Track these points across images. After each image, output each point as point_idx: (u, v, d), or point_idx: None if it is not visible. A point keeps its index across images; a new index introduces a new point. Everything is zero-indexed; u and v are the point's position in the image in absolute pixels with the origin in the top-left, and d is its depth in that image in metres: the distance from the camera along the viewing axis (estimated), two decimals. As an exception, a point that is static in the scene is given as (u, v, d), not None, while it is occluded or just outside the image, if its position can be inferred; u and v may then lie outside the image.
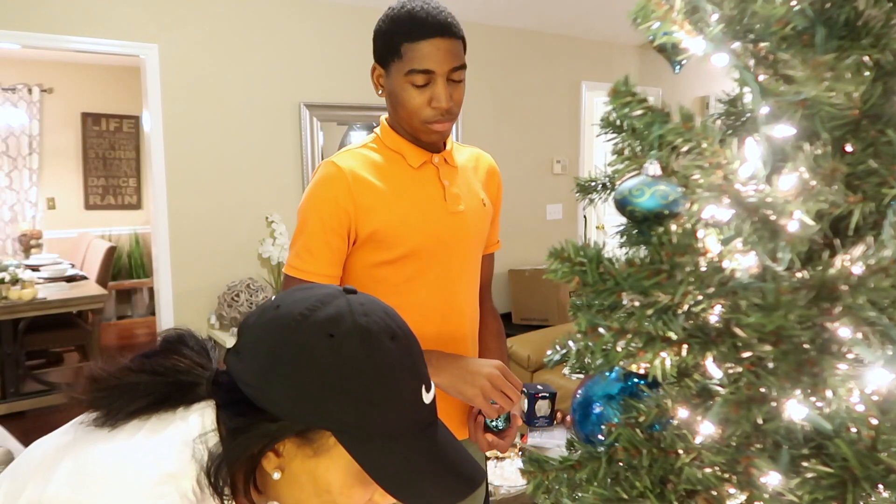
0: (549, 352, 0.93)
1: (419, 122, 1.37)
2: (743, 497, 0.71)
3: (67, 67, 6.66)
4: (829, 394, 0.61)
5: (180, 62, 3.78)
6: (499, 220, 1.67)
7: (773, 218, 0.62)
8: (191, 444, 0.77)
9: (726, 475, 0.72)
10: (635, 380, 0.93)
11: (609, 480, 0.83)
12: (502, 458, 3.06)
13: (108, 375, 0.81)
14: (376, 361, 0.76)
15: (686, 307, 0.71)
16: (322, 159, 4.20)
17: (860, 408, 0.64)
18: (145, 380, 0.81)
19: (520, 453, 3.07)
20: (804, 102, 0.63)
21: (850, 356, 0.63)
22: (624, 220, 0.85)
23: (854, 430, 0.65)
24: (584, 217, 5.69)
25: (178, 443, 0.77)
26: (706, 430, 0.75)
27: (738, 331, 0.65)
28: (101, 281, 5.38)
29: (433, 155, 1.46)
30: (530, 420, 3.31)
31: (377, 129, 1.49)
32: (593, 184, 0.96)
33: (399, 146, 1.44)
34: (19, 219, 6.59)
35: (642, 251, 0.84)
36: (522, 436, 3.16)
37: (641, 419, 0.82)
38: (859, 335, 0.62)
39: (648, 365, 0.70)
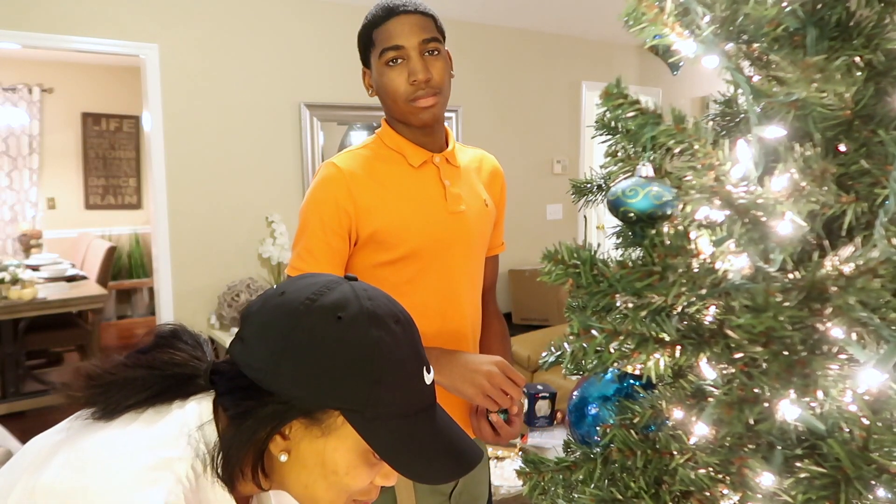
0: (544, 353, 0.93)
1: (404, 103, 1.37)
2: (736, 497, 0.71)
3: (68, 67, 6.67)
4: (820, 394, 0.61)
5: (180, 62, 3.78)
6: (503, 222, 1.66)
7: (764, 219, 0.62)
8: (187, 431, 0.78)
9: (720, 476, 0.73)
10: (631, 381, 0.93)
11: (605, 481, 0.83)
12: (502, 458, 3.06)
13: (103, 372, 0.82)
14: (384, 342, 0.78)
15: (679, 308, 0.72)
16: (322, 159, 4.20)
17: (852, 408, 0.64)
18: (142, 374, 0.81)
19: (520, 453, 3.07)
20: (796, 103, 0.63)
21: (841, 357, 0.63)
22: (619, 221, 0.85)
23: (846, 430, 0.65)
24: (584, 217, 5.69)
25: (174, 430, 0.78)
26: (700, 430, 0.75)
27: (730, 332, 0.65)
28: (101, 281, 5.38)
29: (434, 154, 1.46)
30: (530, 420, 3.32)
31: (378, 130, 1.50)
32: (589, 185, 0.96)
33: (399, 145, 1.44)
34: (19, 219, 6.59)
35: (637, 253, 0.84)
36: (522, 436, 3.16)
37: (636, 420, 0.83)
38: (852, 335, 0.63)
39: (643, 366, 0.71)
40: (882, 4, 0.66)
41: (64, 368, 0.83)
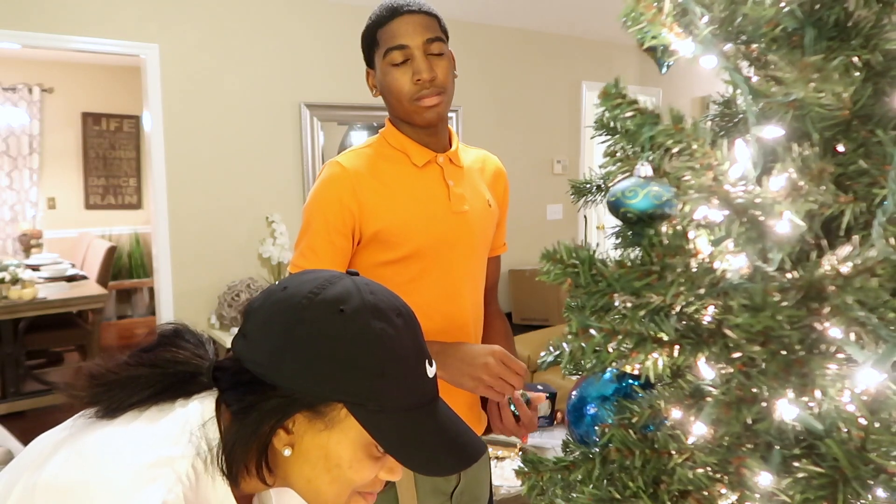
0: (542, 353, 0.93)
1: (409, 103, 1.38)
2: (734, 497, 0.71)
3: (68, 67, 6.67)
4: (818, 394, 0.61)
5: (180, 62, 3.78)
6: (505, 222, 1.67)
7: (762, 219, 0.62)
8: (189, 429, 0.78)
9: (718, 475, 0.73)
10: (629, 381, 0.93)
11: (603, 481, 0.84)
12: (502, 458, 3.06)
13: (106, 371, 0.82)
14: (387, 335, 0.79)
15: (678, 308, 0.72)
16: (322, 159, 4.21)
17: (850, 408, 0.64)
18: (144, 373, 0.82)
19: (520, 453, 3.07)
20: (794, 103, 0.63)
21: (839, 356, 0.64)
22: (618, 221, 0.85)
23: (844, 430, 0.65)
24: (584, 217, 5.69)
25: (176, 428, 0.78)
26: (698, 430, 0.75)
27: (728, 332, 0.65)
28: (102, 281, 5.38)
29: (438, 154, 1.46)
30: (530, 420, 3.30)
31: (382, 130, 1.50)
32: (588, 185, 0.96)
33: (403, 145, 1.45)
34: (19, 218, 6.59)
35: (636, 252, 0.84)
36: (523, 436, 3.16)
37: (635, 420, 0.83)
38: (850, 335, 0.63)
39: (641, 366, 0.71)
40: (880, 5, 0.66)
41: (66, 369, 0.83)
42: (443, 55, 1.39)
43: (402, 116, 1.43)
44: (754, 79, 0.71)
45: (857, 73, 0.65)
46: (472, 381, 1.32)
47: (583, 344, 0.72)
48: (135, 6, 3.65)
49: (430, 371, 0.84)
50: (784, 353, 0.61)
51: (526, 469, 0.90)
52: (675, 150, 0.68)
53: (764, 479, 0.68)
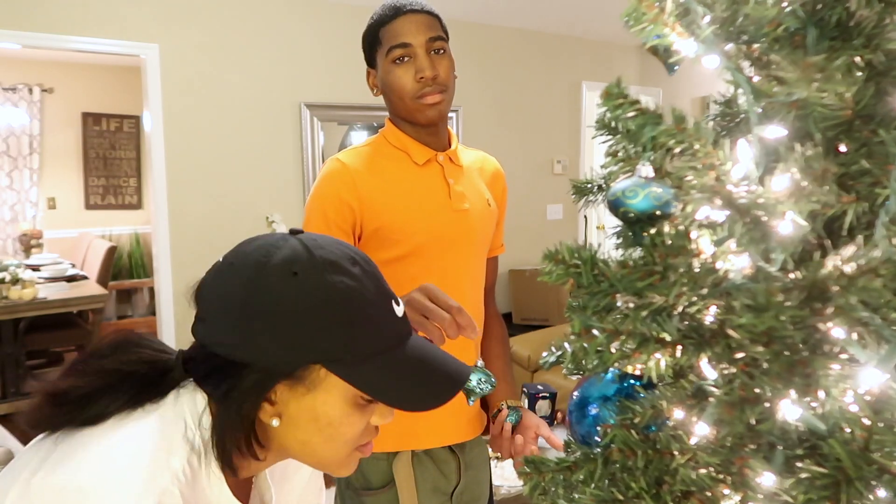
0: (544, 353, 0.93)
1: (411, 100, 1.38)
2: (737, 498, 0.71)
3: (68, 67, 6.67)
4: (821, 394, 0.61)
5: (180, 62, 3.78)
6: (503, 223, 1.67)
7: (764, 219, 0.62)
8: (182, 425, 0.77)
9: (721, 476, 0.72)
10: (631, 381, 0.93)
11: (605, 482, 0.83)
12: (503, 459, 3.06)
13: (69, 388, 0.80)
14: (346, 286, 0.77)
15: (680, 308, 0.71)
16: (323, 159, 4.21)
17: (853, 408, 0.64)
18: (113, 380, 0.80)
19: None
20: (796, 103, 0.63)
21: (842, 356, 0.63)
22: (619, 221, 0.85)
23: (847, 430, 0.65)
24: (585, 217, 5.69)
25: (168, 425, 0.77)
26: (701, 431, 0.75)
27: (731, 332, 0.65)
28: (102, 281, 5.38)
29: (438, 153, 1.47)
30: (530, 420, 3.30)
31: (382, 129, 1.51)
32: (589, 185, 0.96)
33: (404, 143, 1.45)
34: (20, 218, 6.59)
35: (637, 253, 0.84)
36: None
37: (637, 420, 0.83)
38: (853, 335, 0.63)
39: (643, 366, 0.71)
40: (882, 4, 0.66)
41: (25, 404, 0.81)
42: (445, 54, 1.40)
43: (403, 115, 1.43)
44: (756, 79, 0.71)
45: (860, 73, 0.65)
46: None
47: (585, 344, 0.72)
48: (135, 6, 3.65)
49: (399, 311, 0.83)
50: (787, 353, 0.61)
51: (528, 469, 0.89)
52: (677, 150, 0.68)
53: (767, 479, 0.68)
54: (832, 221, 0.70)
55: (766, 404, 0.65)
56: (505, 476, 2.94)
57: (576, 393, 0.99)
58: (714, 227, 0.68)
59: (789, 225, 0.63)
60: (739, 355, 0.65)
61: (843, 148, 0.69)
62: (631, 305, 0.73)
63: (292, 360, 0.76)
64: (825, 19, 0.67)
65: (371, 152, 1.46)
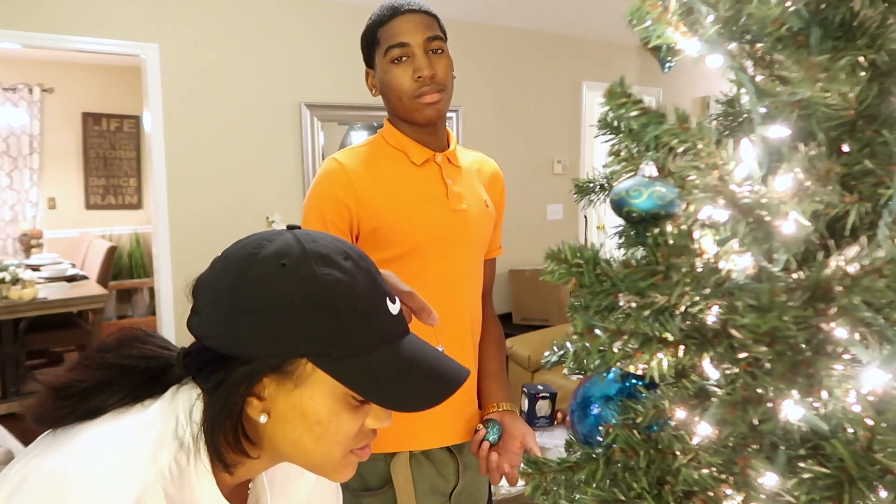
0: (546, 353, 0.93)
1: (409, 100, 1.38)
2: (740, 498, 0.71)
3: (68, 67, 6.67)
4: (824, 394, 0.61)
5: (181, 62, 3.78)
6: (501, 225, 1.67)
7: (768, 219, 0.62)
8: (172, 422, 0.77)
9: (723, 476, 0.72)
10: (633, 381, 0.93)
11: (607, 482, 0.83)
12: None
13: (70, 381, 0.80)
14: (335, 279, 0.76)
15: (683, 308, 0.71)
16: (323, 159, 4.20)
17: (856, 408, 0.64)
18: (114, 375, 0.80)
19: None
20: (799, 103, 0.63)
21: (845, 357, 0.63)
22: (622, 220, 0.85)
23: (850, 430, 0.65)
24: (585, 217, 5.69)
25: (159, 421, 0.77)
26: (703, 431, 0.75)
27: (733, 332, 0.65)
28: (102, 281, 5.38)
29: (436, 153, 1.46)
30: (531, 420, 3.31)
31: (381, 129, 1.50)
32: (591, 185, 0.96)
33: (402, 144, 1.45)
34: (20, 218, 6.59)
35: (640, 252, 0.84)
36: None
37: (639, 420, 0.82)
38: (856, 336, 0.62)
39: (645, 366, 0.70)
40: (886, 4, 0.66)
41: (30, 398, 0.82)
42: (443, 53, 1.40)
43: (401, 114, 1.43)
44: (759, 78, 0.71)
45: (863, 73, 0.65)
46: None
47: (587, 344, 0.71)
48: (135, 6, 3.64)
49: (394, 308, 0.81)
50: (790, 353, 0.61)
51: (530, 470, 0.89)
52: (680, 149, 0.67)
53: (769, 479, 0.68)
54: (835, 221, 0.70)
55: (769, 404, 0.65)
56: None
57: (578, 392, 0.99)
58: (717, 226, 0.68)
59: (792, 225, 0.63)
60: (742, 355, 0.65)
61: (846, 148, 0.69)
62: (633, 305, 0.73)
63: (278, 353, 0.75)
64: (829, 19, 0.66)
65: (369, 152, 1.45)
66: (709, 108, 6.13)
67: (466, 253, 1.48)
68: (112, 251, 5.68)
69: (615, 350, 0.71)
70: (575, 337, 0.73)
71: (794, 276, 0.63)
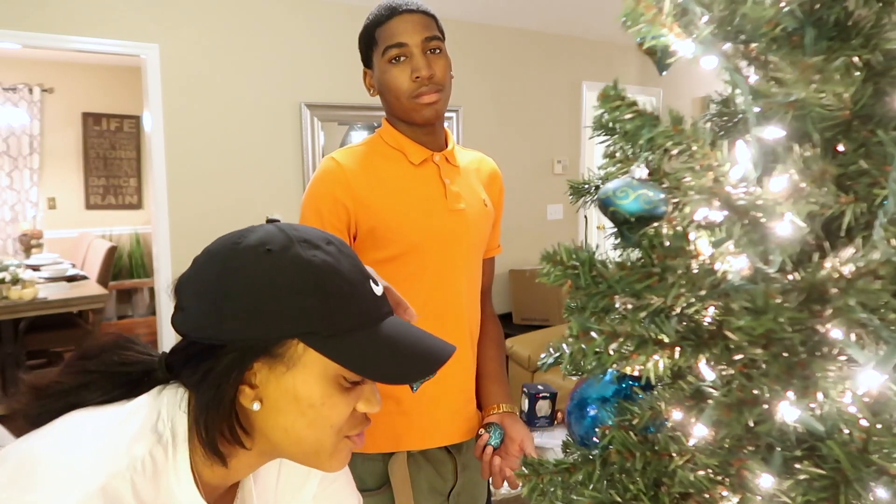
0: (543, 355, 0.93)
1: (407, 100, 1.38)
2: (736, 499, 0.70)
3: (68, 67, 6.67)
4: (820, 396, 0.61)
5: (181, 62, 3.78)
6: (500, 224, 1.67)
7: (763, 220, 0.62)
8: (153, 416, 0.77)
9: (719, 477, 0.72)
10: (629, 382, 0.93)
11: (604, 483, 0.83)
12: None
13: (50, 382, 0.81)
14: (321, 260, 0.77)
15: (678, 310, 0.71)
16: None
17: (852, 409, 0.64)
18: (94, 378, 0.81)
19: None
20: (794, 104, 0.63)
21: (841, 358, 0.63)
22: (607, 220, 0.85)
23: (846, 431, 0.65)
24: (585, 218, 5.69)
25: (140, 413, 0.77)
26: (699, 432, 0.75)
27: (729, 333, 0.65)
28: (102, 281, 5.38)
29: (434, 153, 1.46)
30: (531, 420, 3.31)
31: (378, 129, 1.50)
32: (586, 186, 0.95)
33: (400, 143, 1.45)
34: (20, 218, 6.60)
35: (635, 254, 0.84)
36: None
37: (635, 421, 0.82)
38: (851, 337, 0.62)
39: (642, 367, 0.70)
40: (880, 4, 0.66)
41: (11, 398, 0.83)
42: (441, 53, 1.39)
43: (399, 114, 1.43)
44: (754, 79, 0.71)
45: (858, 73, 0.65)
46: None
47: (583, 346, 0.71)
48: (135, 6, 3.65)
49: (377, 290, 0.82)
50: (786, 354, 0.61)
51: (526, 471, 0.89)
52: (674, 151, 0.67)
53: (765, 480, 0.68)
54: (830, 222, 0.70)
55: (765, 406, 0.65)
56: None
57: (575, 394, 0.99)
58: (712, 228, 0.68)
59: (788, 226, 0.63)
60: (738, 357, 0.65)
61: (841, 148, 0.69)
62: (629, 307, 0.73)
63: (268, 335, 0.75)
64: (823, 19, 0.66)
65: (367, 152, 1.45)
66: (709, 108, 6.12)
67: (465, 253, 1.48)
68: (112, 251, 5.68)
69: (611, 352, 0.71)
70: (571, 339, 0.73)
71: (790, 277, 0.63)
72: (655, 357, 0.69)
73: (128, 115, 7.05)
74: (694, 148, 0.65)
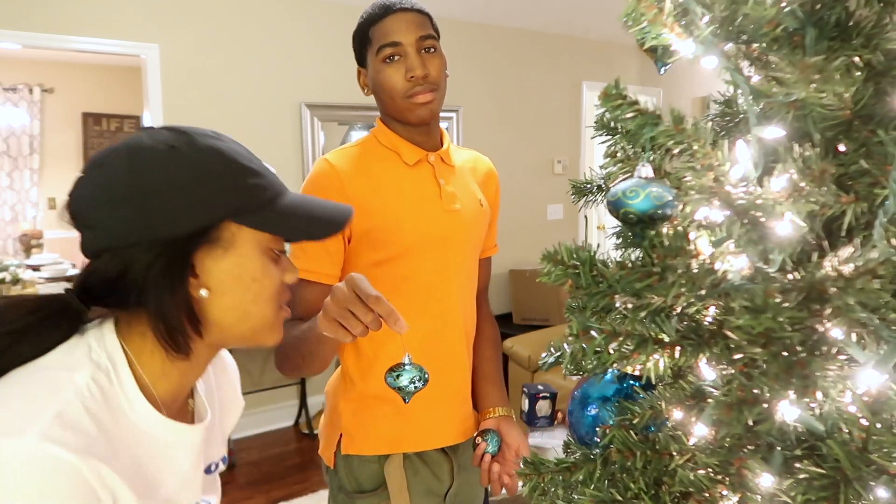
0: (543, 354, 0.93)
1: (401, 99, 1.37)
2: (736, 498, 0.71)
3: (68, 67, 6.66)
4: (819, 395, 0.61)
5: (181, 62, 3.78)
6: (496, 223, 1.65)
7: (763, 220, 0.62)
8: (84, 348, 0.78)
9: (719, 476, 0.72)
10: (630, 381, 0.93)
11: (604, 482, 0.83)
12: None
13: None
14: (226, 146, 0.82)
15: (679, 309, 0.71)
16: (322, 159, 4.20)
17: (852, 409, 0.64)
18: (14, 338, 0.78)
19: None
20: (795, 104, 0.63)
21: (840, 357, 0.63)
22: (619, 222, 0.85)
23: (846, 430, 0.65)
24: (585, 217, 5.69)
25: (70, 349, 0.78)
26: (699, 431, 0.75)
27: (729, 333, 0.65)
28: (102, 281, 5.37)
29: (429, 153, 1.45)
30: (531, 420, 3.31)
31: (373, 129, 1.49)
32: (588, 185, 0.96)
33: (394, 143, 1.43)
34: (20, 219, 6.59)
35: (636, 253, 0.84)
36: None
37: (636, 421, 0.83)
38: (851, 336, 0.63)
39: (642, 367, 0.71)
40: (881, 4, 0.66)
41: None
42: (436, 52, 1.38)
43: (394, 114, 1.42)
44: (755, 79, 0.71)
45: (858, 73, 0.65)
46: (323, 317, 1.02)
47: (584, 345, 0.71)
48: (135, 6, 3.65)
49: (272, 168, 0.89)
50: (785, 354, 0.61)
51: (527, 470, 0.89)
52: (675, 150, 0.68)
53: (765, 480, 0.68)
54: (831, 222, 0.70)
55: (765, 405, 0.65)
56: (505, 476, 2.93)
57: (575, 393, 0.99)
58: (712, 227, 0.68)
59: (788, 226, 0.63)
60: (738, 356, 0.65)
61: (841, 148, 0.69)
62: (629, 306, 0.73)
63: (199, 221, 0.78)
64: (824, 19, 0.67)
65: (360, 152, 1.44)
66: (709, 108, 6.12)
67: (460, 253, 1.47)
68: (112, 251, 5.67)
69: (611, 351, 0.71)
70: (571, 338, 0.73)
71: (790, 276, 0.63)
72: (656, 356, 0.70)
73: (128, 116, 7.04)
74: (695, 147, 0.65)
